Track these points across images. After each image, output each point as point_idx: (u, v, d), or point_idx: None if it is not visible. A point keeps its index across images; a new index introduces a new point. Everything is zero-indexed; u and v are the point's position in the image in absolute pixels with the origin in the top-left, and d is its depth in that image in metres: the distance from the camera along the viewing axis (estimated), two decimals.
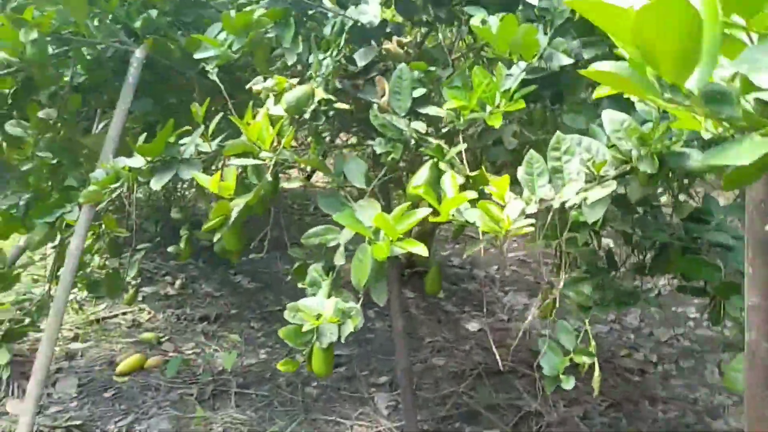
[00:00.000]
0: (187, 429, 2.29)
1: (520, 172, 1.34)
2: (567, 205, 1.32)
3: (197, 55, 1.86)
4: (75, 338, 2.89)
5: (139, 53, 1.90)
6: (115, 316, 3.14)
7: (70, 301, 3.12)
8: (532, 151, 1.35)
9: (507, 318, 3.37)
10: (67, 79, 1.98)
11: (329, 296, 1.51)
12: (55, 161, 2.04)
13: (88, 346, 2.83)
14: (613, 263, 1.83)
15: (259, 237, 1.92)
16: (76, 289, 2.92)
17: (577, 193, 1.30)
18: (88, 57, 2.00)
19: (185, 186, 4.64)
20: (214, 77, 1.87)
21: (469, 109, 1.52)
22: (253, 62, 1.90)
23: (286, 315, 1.52)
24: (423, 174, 1.54)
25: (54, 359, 2.69)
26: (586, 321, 1.69)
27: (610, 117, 1.34)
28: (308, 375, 2.61)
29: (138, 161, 1.60)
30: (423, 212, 1.29)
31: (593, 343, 1.60)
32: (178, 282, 3.63)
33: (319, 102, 1.53)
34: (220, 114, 1.68)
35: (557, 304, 1.65)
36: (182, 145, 1.66)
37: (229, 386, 2.57)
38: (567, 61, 1.49)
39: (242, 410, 2.42)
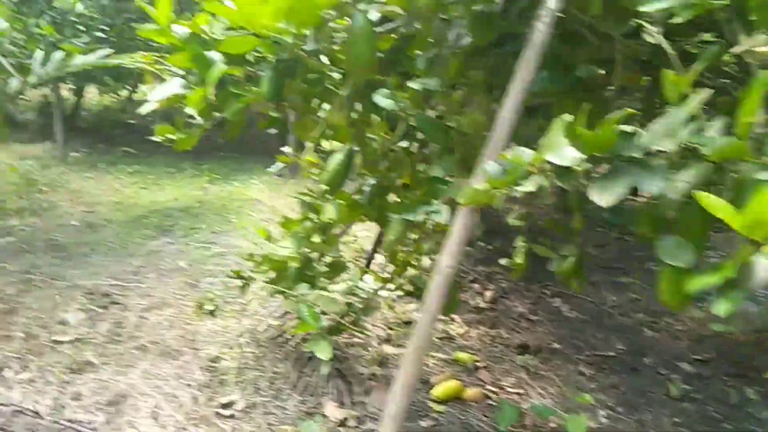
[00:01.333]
0: None
1: None
2: None
3: (645, 6, 1.23)
4: (387, 340, 2.61)
5: (553, 3, 1.36)
6: None
7: (384, 298, 2.88)
8: None
9: None
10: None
11: None
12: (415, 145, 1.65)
13: (400, 353, 2.52)
14: None
15: None
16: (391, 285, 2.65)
17: None
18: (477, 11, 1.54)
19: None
20: (660, 39, 1.24)
21: None
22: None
23: None
24: None
25: (365, 361, 2.44)
26: None
27: None
28: None
29: (569, 155, 1.05)
30: None
31: None
32: (488, 294, 3.16)
33: None
34: (706, 90, 1.02)
35: None
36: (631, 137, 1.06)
37: None
38: None
39: None
